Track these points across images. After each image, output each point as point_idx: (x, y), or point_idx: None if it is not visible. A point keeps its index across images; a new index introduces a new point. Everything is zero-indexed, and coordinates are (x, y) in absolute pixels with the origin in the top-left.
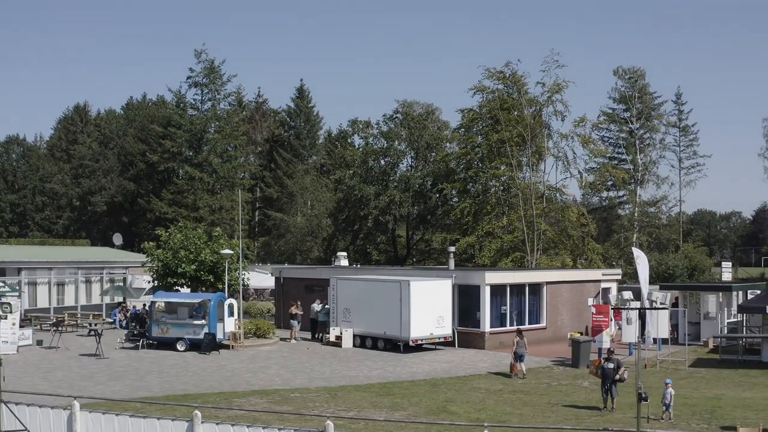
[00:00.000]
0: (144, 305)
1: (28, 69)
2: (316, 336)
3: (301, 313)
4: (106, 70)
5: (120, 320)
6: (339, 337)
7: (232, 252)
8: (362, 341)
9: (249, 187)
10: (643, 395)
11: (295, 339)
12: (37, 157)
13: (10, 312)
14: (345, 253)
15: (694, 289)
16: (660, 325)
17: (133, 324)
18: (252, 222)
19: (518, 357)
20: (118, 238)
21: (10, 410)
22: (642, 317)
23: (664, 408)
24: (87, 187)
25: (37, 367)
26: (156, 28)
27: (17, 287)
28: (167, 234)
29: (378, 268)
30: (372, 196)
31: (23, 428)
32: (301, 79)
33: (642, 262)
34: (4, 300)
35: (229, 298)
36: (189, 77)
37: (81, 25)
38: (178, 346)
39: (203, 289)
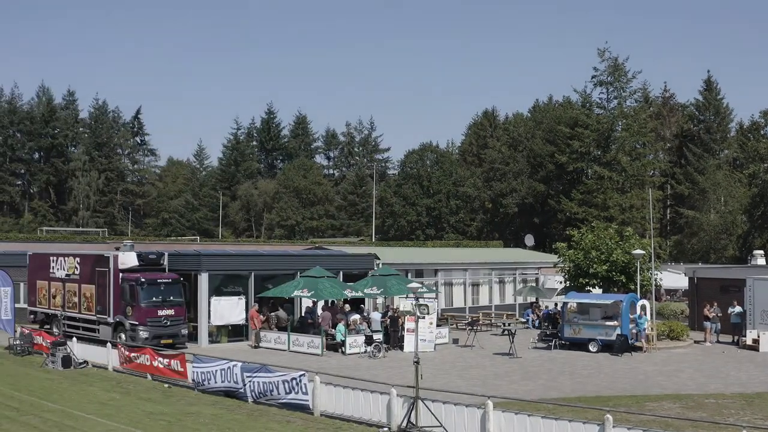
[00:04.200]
0: (556, 305)
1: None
2: (734, 339)
3: (716, 315)
4: (512, 75)
5: (532, 320)
6: (756, 341)
7: (643, 252)
8: None
9: (659, 185)
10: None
11: (710, 342)
12: (449, 163)
13: (428, 313)
14: (762, 252)
15: None
16: None
17: (546, 324)
18: (663, 220)
19: None
20: (529, 239)
21: (427, 407)
22: None
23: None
24: (498, 190)
25: (452, 365)
26: (563, 28)
27: (434, 288)
28: (579, 234)
29: None
30: None
31: (439, 425)
32: (708, 71)
33: None
34: (422, 301)
35: (641, 299)
36: (593, 76)
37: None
38: (590, 347)
39: (615, 289)
